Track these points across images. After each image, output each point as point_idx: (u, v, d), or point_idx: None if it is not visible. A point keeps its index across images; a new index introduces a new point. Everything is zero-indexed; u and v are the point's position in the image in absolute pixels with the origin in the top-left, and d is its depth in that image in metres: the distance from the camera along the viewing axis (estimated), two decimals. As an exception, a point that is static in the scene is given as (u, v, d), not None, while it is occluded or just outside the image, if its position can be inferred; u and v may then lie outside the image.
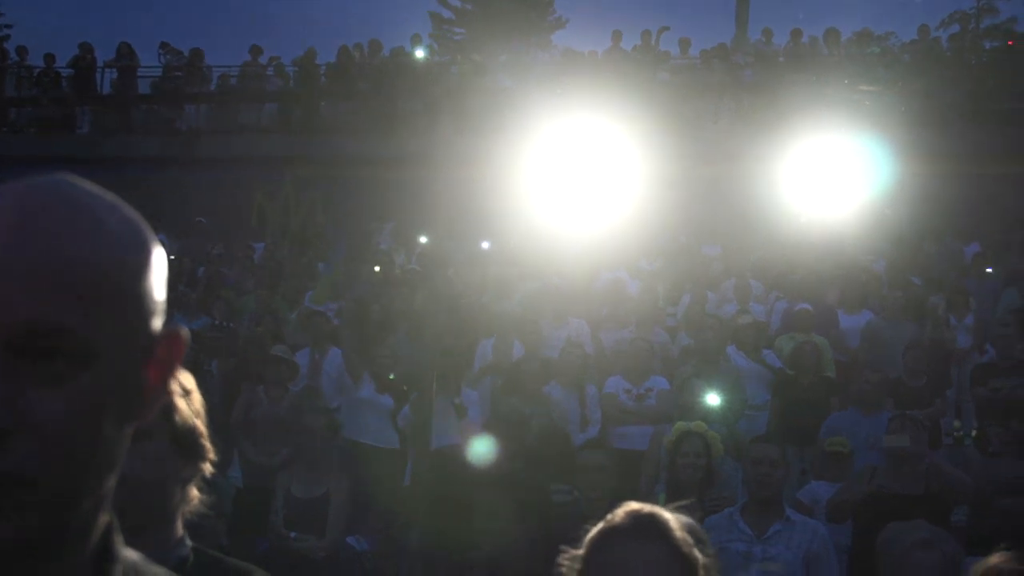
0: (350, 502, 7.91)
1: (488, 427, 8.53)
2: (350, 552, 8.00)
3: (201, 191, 18.75)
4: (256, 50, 21.89)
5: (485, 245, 15.72)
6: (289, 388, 9.87)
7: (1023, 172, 16.86)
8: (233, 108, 21.60)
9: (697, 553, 2.30)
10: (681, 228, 15.10)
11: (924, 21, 22.46)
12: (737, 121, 17.73)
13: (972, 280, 13.47)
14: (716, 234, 15.15)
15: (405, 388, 9.51)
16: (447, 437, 8.42)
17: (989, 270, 13.86)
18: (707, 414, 8.81)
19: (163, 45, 21.67)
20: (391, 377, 9.78)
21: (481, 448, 7.29)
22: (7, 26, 32.39)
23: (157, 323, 1.08)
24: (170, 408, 2.22)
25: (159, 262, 1.08)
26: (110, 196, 1.07)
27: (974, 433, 8.89)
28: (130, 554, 1.14)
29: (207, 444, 2.30)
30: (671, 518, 2.31)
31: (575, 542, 2.34)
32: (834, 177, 12.46)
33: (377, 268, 14.79)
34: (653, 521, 2.29)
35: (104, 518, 1.08)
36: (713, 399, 9.08)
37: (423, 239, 15.81)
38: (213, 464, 2.34)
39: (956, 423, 10.46)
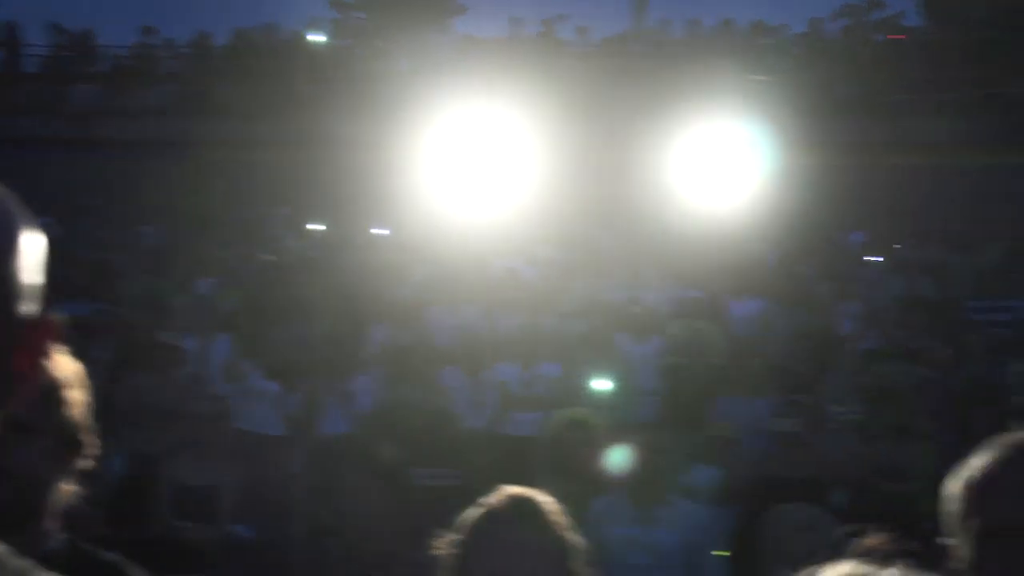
0: (239, 490, 7.81)
1: (378, 414, 8.47)
2: (237, 540, 7.89)
3: (91, 173, 18.36)
4: (149, 31, 21.45)
5: (380, 231, 15.63)
6: (176, 375, 9.71)
7: (909, 163, 17.24)
8: (125, 90, 21.15)
9: (572, 535, 2.29)
10: (575, 215, 15.13)
11: (816, 14, 22.82)
12: (634, 109, 17.80)
13: (858, 268, 13.73)
14: (610, 221, 15.21)
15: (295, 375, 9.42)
16: (336, 425, 8.36)
17: (876, 258, 14.12)
18: (596, 399, 8.87)
19: (52, 25, 21.15)
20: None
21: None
22: None
23: (27, 308, 1.01)
24: (55, 402, 2.16)
25: (30, 245, 1.01)
26: None
27: (856, 417, 9.04)
28: None
29: (90, 438, 2.24)
30: (546, 502, 2.29)
31: (453, 526, 2.32)
32: (727, 165, 12.62)
33: (270, 254, 14.64)
34: (529, 505, 2.28)
35: None
36: (602, 385, 9.15)
37: (318, 225, 15.67)
38: (95, 455, 2.28)
39: (839, 408, 10.63)
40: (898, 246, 14.36)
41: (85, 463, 2.27)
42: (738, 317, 11.62)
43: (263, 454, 9.05)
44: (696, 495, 7.32)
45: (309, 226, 15.79)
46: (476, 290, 12.11)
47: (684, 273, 12.60)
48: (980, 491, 1.76)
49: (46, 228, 1.03)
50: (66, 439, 2.20)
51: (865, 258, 14.18)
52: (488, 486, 2.38)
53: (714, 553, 6.13)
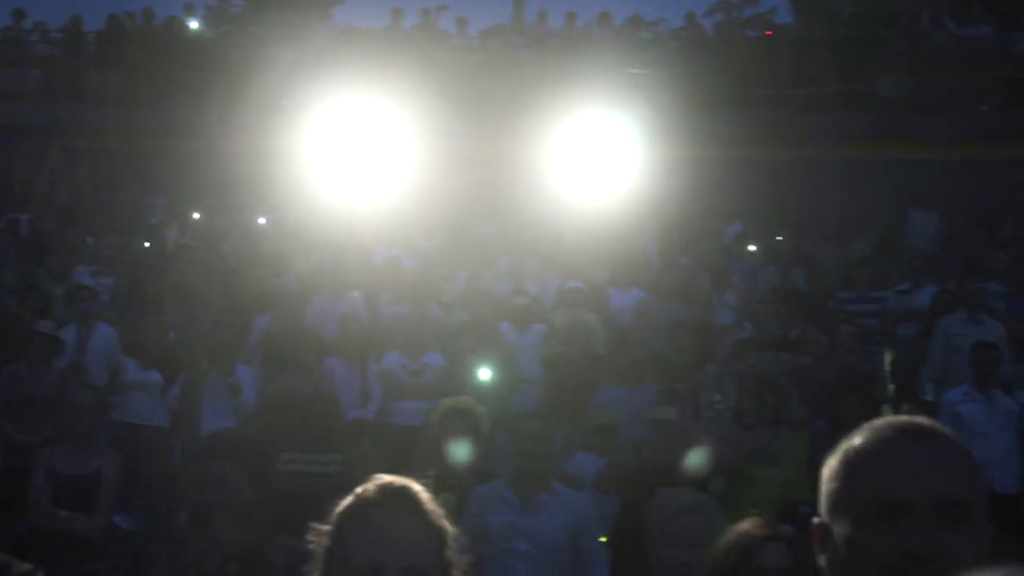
0: (120, 480, 7.69)
1: (261, 403, 8.38)
2: (117, 531, 7.77)
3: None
4: (19, 14, 20.89)
5: (261, 220, 15.46)
6: (54, 365, 9.56)
7: (782, 156, 17.60)
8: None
9: (447, 524, 2.31)
10: (458, 206, 15.14)
11: (692, 9, 23.16)
12: (513, 101, 17.86)
13: (734, 259, 13.96)
14: (492, 212, 15.25)
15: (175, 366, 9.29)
16: (219, 417, 8.25)
17: (751, 248, 14.37)
18: (480, 389, 8.90)
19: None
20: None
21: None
22: None
23: None
24: None
25: None
26: None
27: (732, 405, 9.21)
28: None
29: None
30: (421, 490, 2.29)
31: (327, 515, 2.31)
32: (606, 157, 12.72)
33: (146, 243, 14.40)
34: (403, 492, 2.27)
35: None
36: (485, 374, 9.19)
37: (196, 213, 15.43)
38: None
39: (716, 396, 10.81)
40: (779, 238, 14.63)
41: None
42: (618, 308, 11.75)
43: (144, 444, 8.92)
44: (578, 482, 7.41)
45: (188, 215, 15.55)
46: (358, 279, 12.06)
47: (566, 264, 12.69)
48: (858, 468, 1.81)
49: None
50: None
51: (744, 249, 14.42)
52: (371, 475, 2.38)
53: (598, 539, 6.19)
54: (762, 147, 17.70)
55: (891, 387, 11.92)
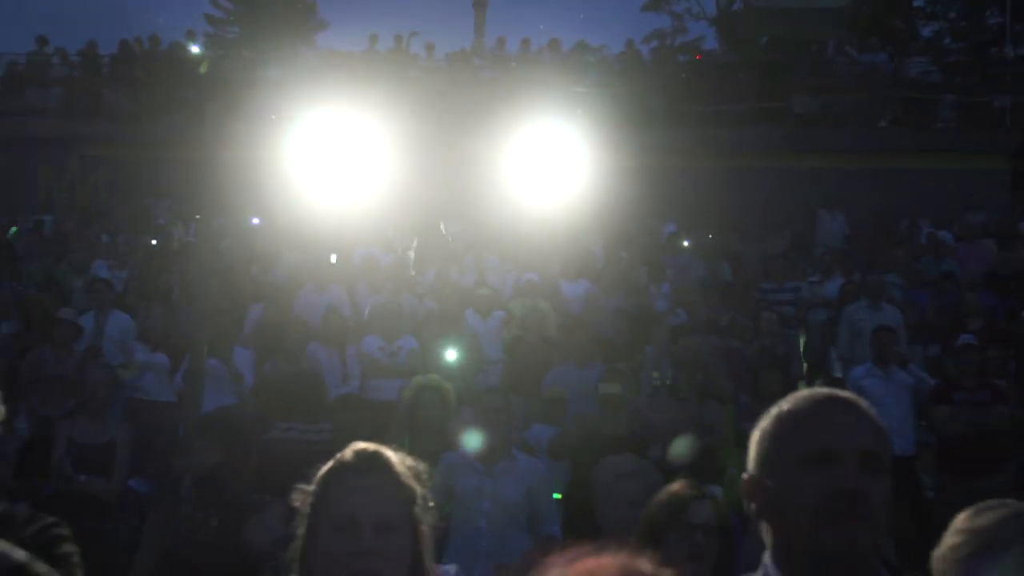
0: (132, 448, 7.63)
1: (257, 385, 8.34)
2: (132, 493, 7.72)
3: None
4: (42, 40, 20.87)
5: (254, 221, 15.35)
6: (74, 348, 9.54)
7: (710, 165, 17.68)
8: (21, 92, 20.40)
9: (416, 484, 2.32)
10: (428, 208, 15.09)
11: (631, 36, 23.23)
12: (475, 115, 17.82)
13: (668, 254, 13.99)
14: (459, 213, 15.22)
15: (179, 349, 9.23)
16: (218, 397, 8.21)
17: (686, 243, 14.41)
18: (448, 368, 8.90)
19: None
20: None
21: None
22: None
23: None
24: None
25: None
26: None
27: (668, 382, 9.24)
28: None
29: None
30: (392, 455, 2.31)
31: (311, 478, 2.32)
32: (556, 165, 12.71)
33: (154, 241, 14.28)
34: (376, 456, 2.29)
35: None
36: (452, 355, 9.18)
37: (197, 215, 15.29)
38: (2, 419, 2.22)
39: (655, 374, 10.84)
40: (709, 236, 14.69)
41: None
42: (569, 297, 11.75)
43: (154, 417, 8.88)
44: (534, 450, 7.42)
45: (190, 216, 15.42)
46: (340, 274, 12.02)
47: (522, 259, 12.69)
48: (794, 426, 1.88)
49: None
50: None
51: (678, 245, 14.46)
52: (354, 441, 2.40)
53: (552, 500, 6.20)
54: (692, 157, 17.79)
55: (805, 365, 12.01)
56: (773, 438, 1.91)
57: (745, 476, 1.95)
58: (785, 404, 1.94)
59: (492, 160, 13.69)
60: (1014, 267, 12.79)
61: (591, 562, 1.30)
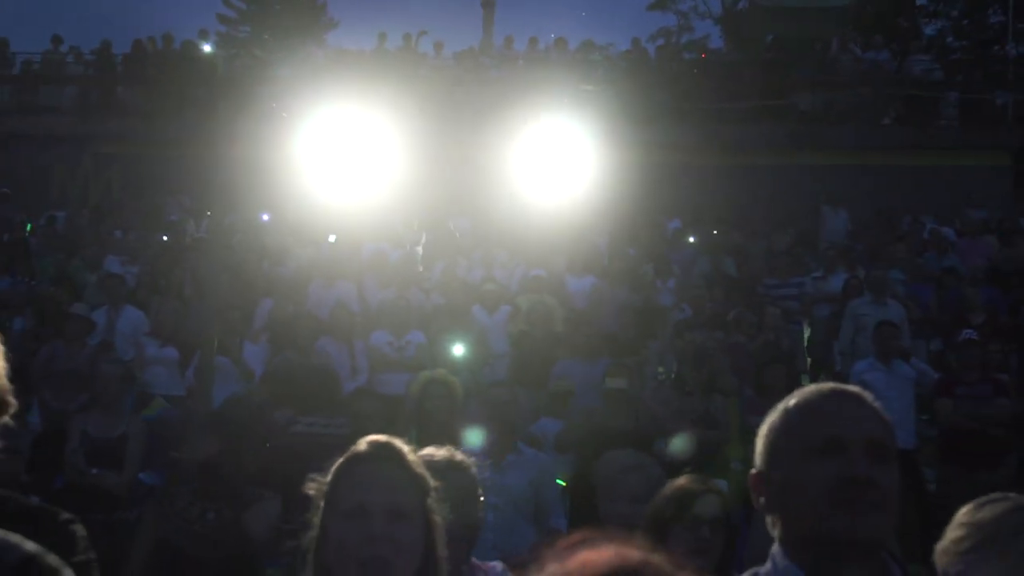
0: (144, 442, 7.63)
1: (265, 378, 8.34)
2: (142, 486, 7.72)
3: (6, 164, 17.68)
4: (57, 40, 20.89)
5: (264, 216, 15.36)
6: (86, 343, 9.52)
7: (715, 161, 17.65)
8: (35, 91, 20.47)
9: (429, 476, 2.31)
10: (435, 204, 15.09)
11: (637, 34, 23.19)
12: (483, 113, 17.81)
13: (674, 250, 13.98)
14: (466, 210, 15.21)
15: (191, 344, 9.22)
16: (226, 393, 8.20)
17: (691, 239, 14.38)
18: (455, 363, 8.89)
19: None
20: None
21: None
22: None
23: None
24: None
25: None
26: None
27: (673, 376, 9.23)
28: None
29: (10, 399, 2.17)
30: (405, 446, 2.31)
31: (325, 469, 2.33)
32: (562, 162, 12.71)
33: (165, 237, 14.29)
34: (389, 447, 2.30)
35: None
36: (459, 349, 9.17)
37: (210, 211, 15.30)
38: (13, 413, 2.22)
39: (660, 368, 10.84)
40: (713, 232, 14.66)
41: (5, 421, 2.21)
42: (575, 292, 11.74)
43: (164, 411, 8.86)
44: (541, 443, 7.41)
45: (202, 212, 15.44)
46: (350, 269, 12.02)
47: (529, 254, 12.68)
48: (803, 417, 1.90)
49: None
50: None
51: (683, 241, 14.44)
52: (370, 431, 2.40)
53: (557, 493, 6.19)
54: (698, 154, 17.76)
55: (808, 360, 11.99)
56: (781, 431, 1.92)
57: (753, 471, 1.95)
58: (792, 399, 1.96)
59: (499, 157, 13.69)
60: (1016, 263, 12.76)
61: (586, 555, 1.29)
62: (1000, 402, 8.71)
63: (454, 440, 6.21)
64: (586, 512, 5.50)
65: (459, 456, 3.06)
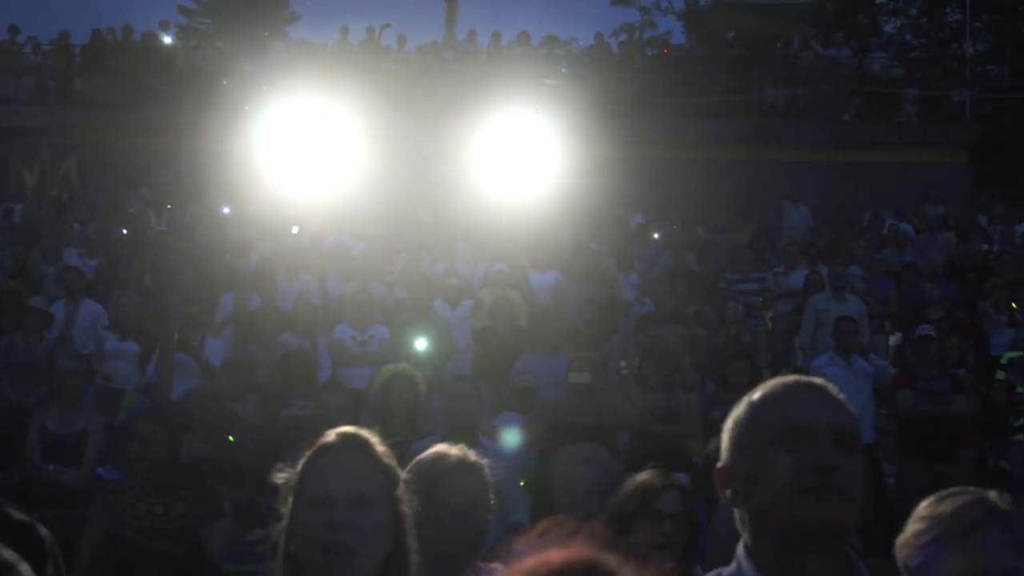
0: (103, 438, 7.54)
1: (225, 370, 8.25)
2: (100, 482, 7.63)
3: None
4: (14, 29, 20.59)
5: (226, 209, 15.23)
6: (45, 336, 9.42)
7: (677, 156, 17.71)
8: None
9: (396, 467, 2.32)
10: (398, 197, 15.03)
11: (600, 29, 23.21)
12: (446, 107, 17.76)
13: (637, 245, 13.99)
14: (429, 203, 15.15)
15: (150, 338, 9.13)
16: (189, 381, 8.13)
17: (656, 235, 14.40)
18: (418, 357, 8.86)
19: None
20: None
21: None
22: None
23: None
24: None
25: None
26: None
27: (635, 371, 9.25)
28: None
29: None
30: (372, 436, 2.32)
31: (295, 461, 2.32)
32: (526, 156, 12.69)
33: (125, 230, 14.14)
34: (356, 437, 2.30)
35: None
36: (422, 344, 9.14)
37: (170, 204, 15.16)
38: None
39: (622, 363, 10.87)
40: (675, 227, 14.69)
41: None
42: (537, 287, 11.73)
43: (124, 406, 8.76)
44: (503, 437, 7.40)
45: (163, 204, 15.28)
46: (312, 262, 11.95)
47: (492, 249, 12.65)
48: (767, 408, 1.90)
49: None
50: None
51: (646, 236, 14.45)
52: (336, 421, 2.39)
53: (519, 484, 6.18)
54: (660, 148, 17.82)
55: (768, 354, 12.06)
56: (746, 423, 1.92)
57: (719, 465, 1.95)
58: (756, 392, 1.96)
59: (462, 151, 13.65)
60: (973, 259, 12.90)
61: (546, 553, 1.29)
62: (957, 398, 8.80)
63: (417, 434, 6.22)
64: (548, 506, 5.50)
65: (472, 457, 3.03)
